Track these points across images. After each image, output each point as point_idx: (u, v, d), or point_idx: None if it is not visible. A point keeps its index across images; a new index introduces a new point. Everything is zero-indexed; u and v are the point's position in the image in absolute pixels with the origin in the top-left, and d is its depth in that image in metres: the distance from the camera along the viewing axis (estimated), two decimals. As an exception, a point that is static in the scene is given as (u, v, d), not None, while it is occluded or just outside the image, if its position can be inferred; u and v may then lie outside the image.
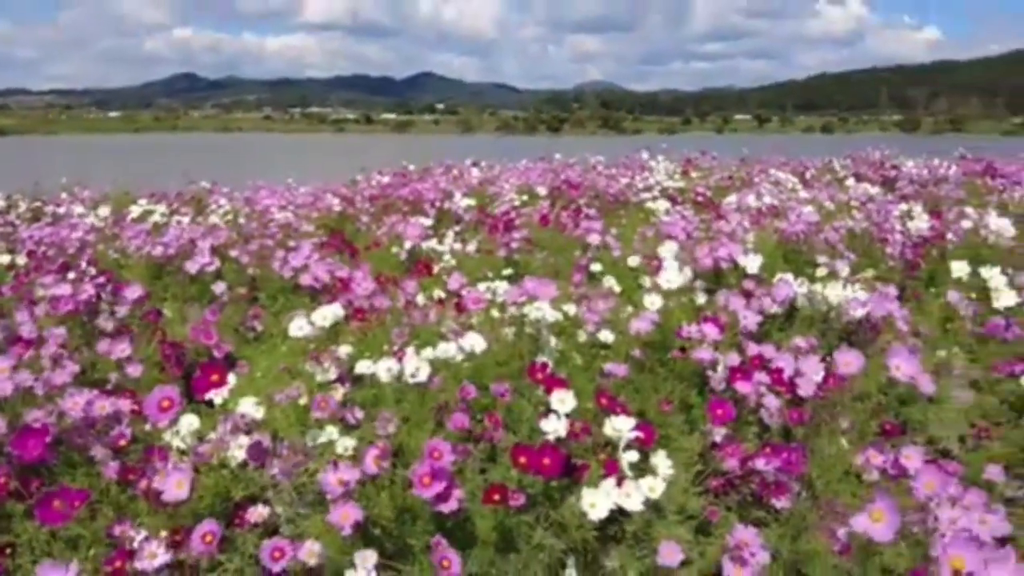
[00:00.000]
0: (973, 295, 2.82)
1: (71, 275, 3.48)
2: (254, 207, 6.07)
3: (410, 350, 1.88)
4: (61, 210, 5.64)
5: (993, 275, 2.69)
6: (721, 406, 1.82)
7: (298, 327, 2.11)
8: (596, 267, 3.41)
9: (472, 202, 6.32)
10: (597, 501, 1.43)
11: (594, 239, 4.03)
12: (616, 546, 1.61)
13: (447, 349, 1.92)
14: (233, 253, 4.19)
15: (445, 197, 6.45)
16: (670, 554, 1.40)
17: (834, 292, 2.67)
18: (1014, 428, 2.29)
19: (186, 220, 5.32)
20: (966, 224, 4.34)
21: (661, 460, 1.55)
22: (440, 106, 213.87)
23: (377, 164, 8.95)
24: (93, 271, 3.60)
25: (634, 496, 1.44)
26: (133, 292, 3.30)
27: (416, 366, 1.79)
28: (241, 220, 5.55)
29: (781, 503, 1.58)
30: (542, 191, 6.92)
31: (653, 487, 1.48)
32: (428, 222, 5.46)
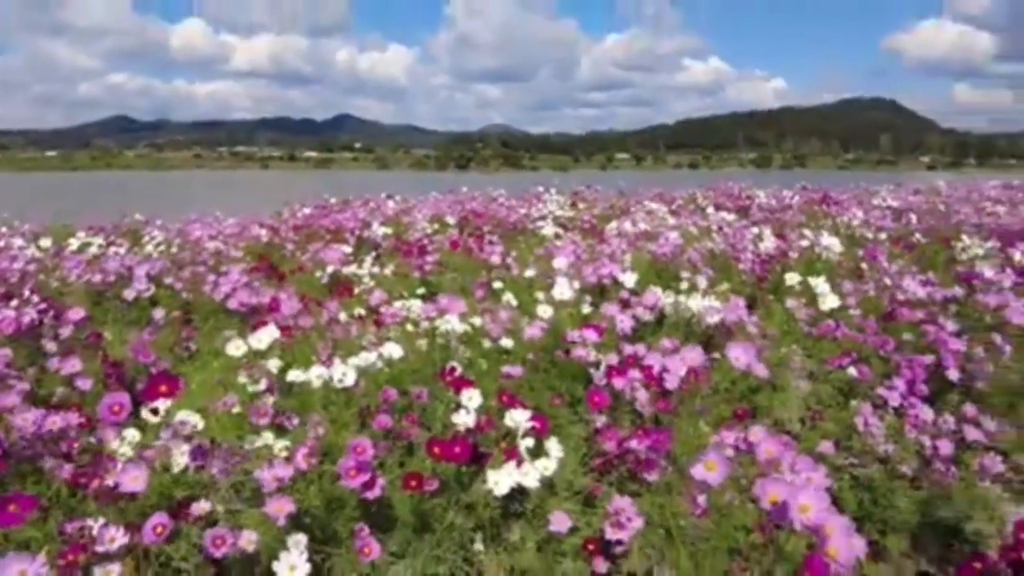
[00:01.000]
0: (804, 301, 3.03)
1: (13, 303, 3.32)
2: (186, 238, 5.91)
3: (336, 359, 1.90)
4: (0, 243, 5.35)
5: (818, 283, 2.91)
6: (599, 395, 1.91)
7: (235, 347, 2.09)
8: (497, 284, 3.48)
9: (389, 230, 6.32)
10: (500, 480, 1.50)
11: (496, 260, 4.12)
12: (517, 521, 1.68)
13: (368, 358, 1.95)
14: (167, 280, 4.08)
15: (364, 226, 6.43)
16: (560, 522, 1.48)
17: (695, 302, 2.83)
18: (842, 410, 2.47)
19: (122, 251, 5.14)
20: (804, 243, 4.63)
21: (553, 445, 1.63)
22: (358, 145, 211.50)
23: (301, 197, 8.83)
24: (36, 298, 3.45)
25: (531, 475, 1.52)
26: (75, 315, 3.19)
27: (343, 371, 1.82)
28: (174, 250, 5.40)
29: (652, 477, 1.68)
30: (451, 220, 6.99)
31: (547, 467, 1.56)
32: (348, 249, 5.44)
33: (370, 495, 1.47)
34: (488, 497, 1.55)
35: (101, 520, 1.25)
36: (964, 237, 5.10)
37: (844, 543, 1.11)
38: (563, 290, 2.67)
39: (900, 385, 2.26)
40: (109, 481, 1.33)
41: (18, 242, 5.25)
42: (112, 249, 5.18)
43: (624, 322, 2.57)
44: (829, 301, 2.81)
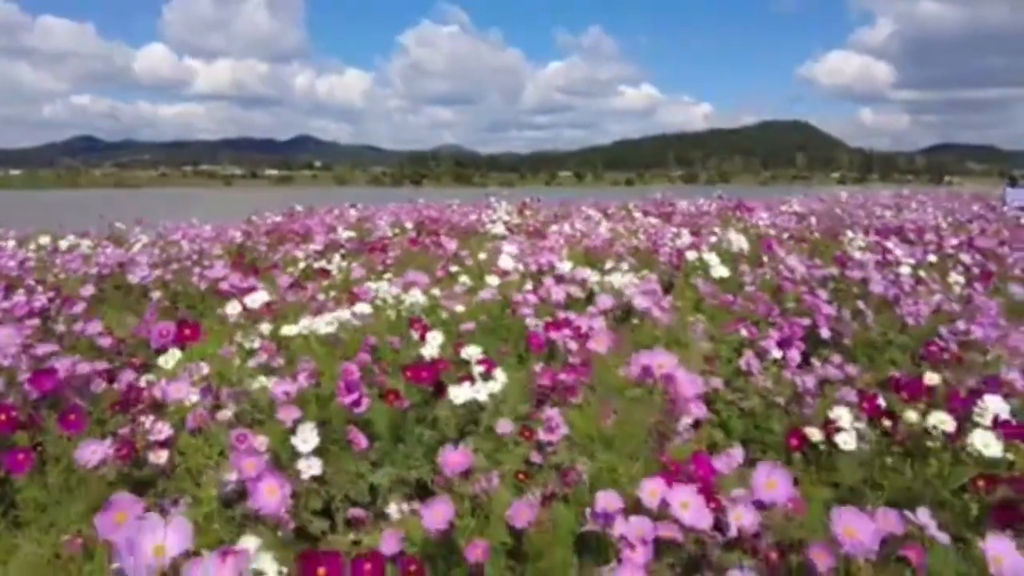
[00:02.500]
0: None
1: (20, 292, 3.46)
2: (167, 239, 6.04)
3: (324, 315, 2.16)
4: (-7, 246, 5.41)
5: (711, 258, 3.29)
6: (537, 339, 2.22)
7: (232, 307, 2.33)
8: (454, 268, 3.76)
9: (353, 234, 6.55)
10: (459, 394, 1.78)
11: (451, 248, 4.41)
12: (472, 436, 1.97)
13: (343, 315, 2.22)
14: (157, 272, 4.25)
15: (330, 230, 6.64)
16: (504, 427, 1.77)
17: (616, 278, 3.16)
18: (731, 362, 2.83)
19: (110, 250, 5.25)
20: (713, 239, 5.04)
21: (499, 373, 1.93)
22: (318, 164, 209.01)
23: (268, 210, 8.95)
24: (40, 288, 3.59)
25: (482, 391, 1.81)
26: (85, 293, 3.37)
27: (325, 323, 2.09)
28: (156, 251, 5.53)
29: (576, 399, 1.99)
30: (409, 225, 7.25)
31: (494, 387, 1.85)
32: (319, 246, 5.66)
33: (358, 410, 1.74)
34: (449, 415, 1.84)
35: (152, 417, 1.50)
36: (849, 232, 5.60)
37: (688, 382, 1.43)
38: (507, 261, 2.98)
39: (777, 336, 2.62)
40: (156, 392, 1.57)
41: (10, 243, 5.32)
42: (100, 249, 5.29)
43: (559, 293, 2.89)
44: (718, 271, 3.18)
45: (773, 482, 1.01)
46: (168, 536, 0.82)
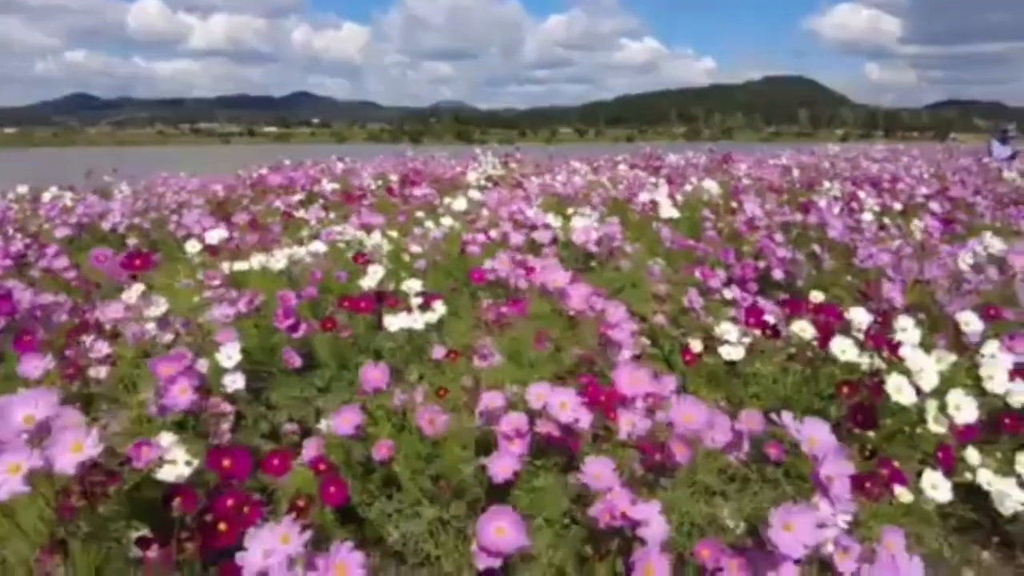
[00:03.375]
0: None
1: (-2, 238, 3.54)
2: (152, 192, 6.09)
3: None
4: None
5: (661, 197, 3.36)
6: (479, 273, 2.31)
7: (192, 245, 2.42)
8: (419, 214, 3.83)
9: (337, 186, 6.59)
10: (393, 322, 1.87)
11: (420, 194, 4.47)
12: (414, 363, 2.07)
13: (298, 252, 2.30)
14: (136, 220, 4.31)
15: (314, 182, 6.68)
16: (439, 352, 1.87)
17: (578, 221, 3.23)
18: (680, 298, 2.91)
19: (91, 199, 5.31)
20: (688, 188, 5.09)
21: (439, 305, 2.02)
22: (316, 120, 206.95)
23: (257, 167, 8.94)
24: (19, 235, 3.66)
25: (418, 321, 1.90)
26: (60, 234, 3.45)
27: (277, 258, 2.17)
28: (139, 202, 5.59)
29: (513, 332, 2.09)
30: (394, 177, 7.28)
31: (431, 318, 1.95)
32: (298, 197, 5.71)
33: (295, 335, 1.84)
34: (391, 343, 1.94)
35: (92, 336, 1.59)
36: (827, 183, 5.65)
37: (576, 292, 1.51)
38: (460, 203, 3.05)
39: (722, 275, 2.71)
40: (101, 315, 1.67)
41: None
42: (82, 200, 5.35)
43: (516, 237, 2.96)
44: (666, 211, 3.25)
45: (635, 378, 1.09)
46: (39, 407, 0.92)
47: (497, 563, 0.92)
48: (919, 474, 1.23)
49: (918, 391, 1.25)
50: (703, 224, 3.63)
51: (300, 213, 4.94)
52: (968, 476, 1.24)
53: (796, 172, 7.32)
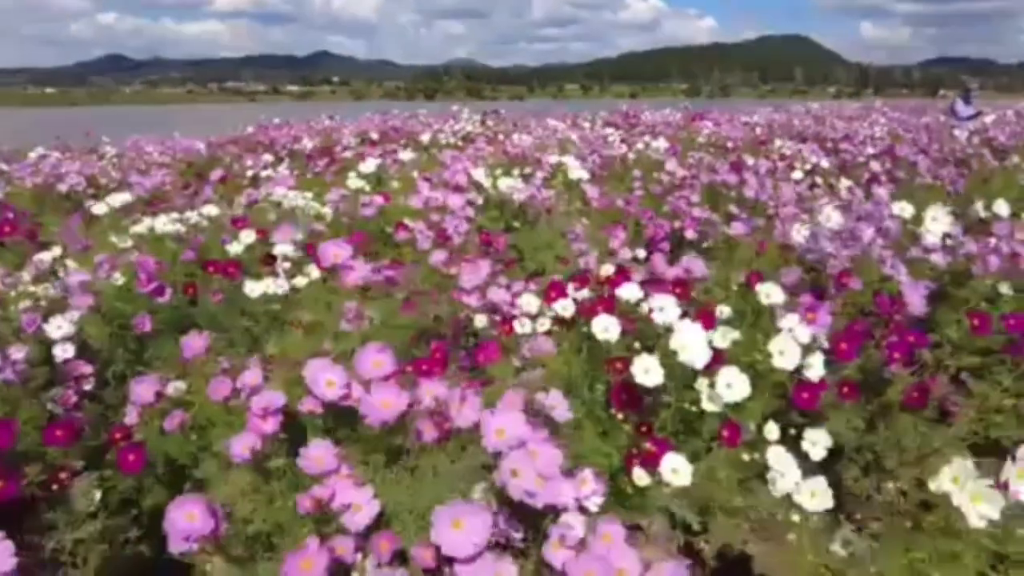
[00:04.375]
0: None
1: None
2: (139, 152, 5.94)
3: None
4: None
5: (569, 160, 3.22)
6: (404, 228, 2.22)
7: (99, 208, 2.30)
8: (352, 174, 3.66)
9: (318, 143, 6.42)
10: (255, 288, 1.76)
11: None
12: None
13: (191, 216, 2.19)
14: (102, 180, 4.18)
15: (295, 141, 6.50)
16: (303, 317, 1.77)
17: (504, 183, 3.08)
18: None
19: (76, 164, 5.18)
20: (640, 146, 4.89)
21: (312, 270, 1.91)
22: (336, 79, 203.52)
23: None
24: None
25: (283, 287, 1.80)
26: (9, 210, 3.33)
27: (170, 220, 2.06)
28: (124, 161, 5.44)
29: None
30: (374, 136, 7.08)
31: (299, 282, 1.84)
32: (270, 158, 5.54)
33: (161, 299, 1.73)
34: (262, 306, 1.83)
35: None
36: (778, 141, 5.41)
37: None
38: (407, 154, 2.90)
39: (622, 236, 2.57)
40: None
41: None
42: (66, 160, 5.21)
43: (456, 200, 2.83)
44: (575, 173, 3.09)
45: (378, 361, 0.98)
46: None
47: (192, 547, 0.83)
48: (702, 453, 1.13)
49: (694, 371, 1.13)
50: (633, 184, 3.46)
51: (267, 172, 4.79)
52: (749, 456, 1.13)
53: (759, 130, 7.06)
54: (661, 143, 4.68)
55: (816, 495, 0.96)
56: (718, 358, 1.14)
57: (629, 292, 1.26)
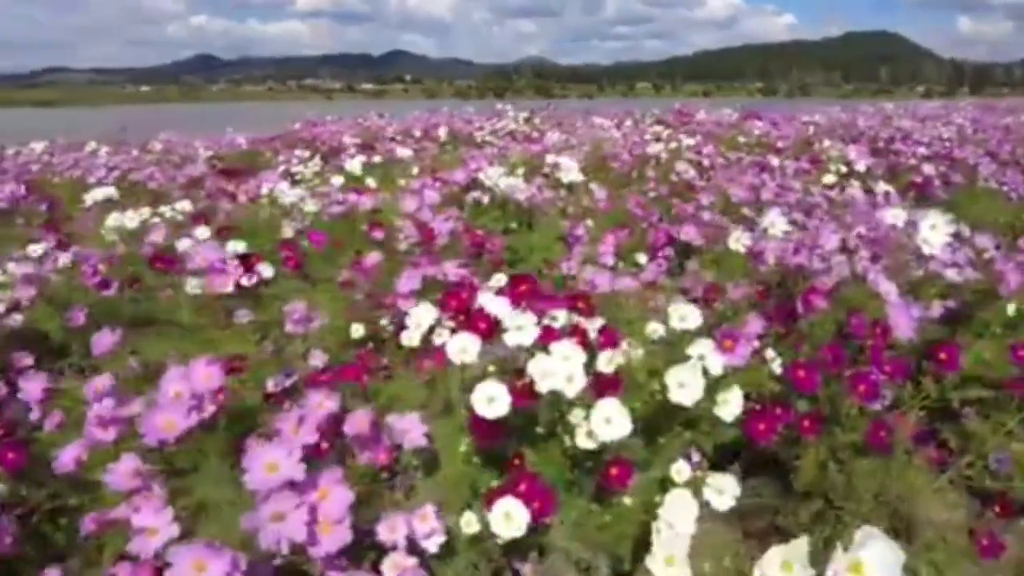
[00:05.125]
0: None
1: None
2: (186, 148, 6.13)
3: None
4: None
5: (568, 163, 3.09)
6: (375, 229, 2.16)
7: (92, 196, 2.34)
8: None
9: (359, 140, 6.46)
10: (195, 285, 1.74)
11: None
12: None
13: (165, 210, 2.19)
14: (134, 176, 4.30)
15: (332, 137, 6.58)
16: (243, 317, 1.72)
17: (503, 181, 2.97)
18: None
19: (118, 157, 5.37)
20: (673, 145, 4.68)
21: (264, 267, 1.86)
22: (408, 78, 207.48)
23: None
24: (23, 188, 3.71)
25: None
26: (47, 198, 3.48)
27: (132, 216, 2.06)
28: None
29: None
30: (416, 133, 7.08)
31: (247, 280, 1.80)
32: (305, 154, 5.60)
33: (106, 292, 1.72)
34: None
35: None
36: (826, 141, 5.07)
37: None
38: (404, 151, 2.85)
39: (610, 239, 2.41)
40: None
41: (39, 147, 5.51)
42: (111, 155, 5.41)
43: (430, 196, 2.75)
44: (568, 176, 2.93)
45: (207, 374, 0.90)
46: None
47: None
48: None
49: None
50: (646, 185, 3.28)
51: (299, 168, 4.84)
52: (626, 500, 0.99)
53: (811, 129, 6.66)
54: (689, 141, 4.45)
55: (673, 563, 0.80)
56: (610, 385, 1.00)
57: (493, 305, 1.12)
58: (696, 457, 1.36)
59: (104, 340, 1.35)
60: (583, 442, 0.98)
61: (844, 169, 3.44)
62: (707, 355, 1.05)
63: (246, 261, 2.15)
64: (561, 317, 1.08)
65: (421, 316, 1.21)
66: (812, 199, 2.68)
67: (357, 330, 1.65)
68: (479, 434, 1.01)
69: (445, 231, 2.49)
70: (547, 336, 1.04)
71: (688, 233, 2.57)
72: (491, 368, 1.07)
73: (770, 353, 1.26)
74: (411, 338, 1.21)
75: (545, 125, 7.84)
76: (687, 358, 1.04)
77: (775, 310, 1.40)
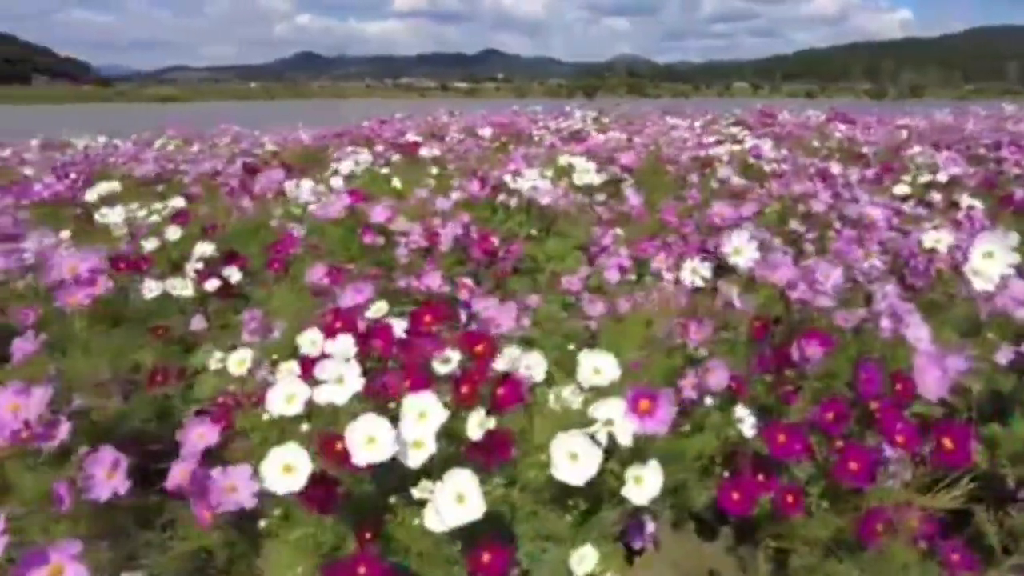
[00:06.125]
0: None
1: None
2: (254, 142, 6.27)
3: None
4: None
5: (580, 162, 2.84)
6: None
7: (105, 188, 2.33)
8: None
9: (420, 138, 6.42)
10: (153, 288, 1.64)
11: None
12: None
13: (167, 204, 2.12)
14: (183, 167, 4.39)
15: (399, 135, 6.55)
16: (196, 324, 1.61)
17: (523, 183, 2.78)
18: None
19: (193, 148, 5.55)
20: (737, 148, 4.33)
21: (233, 270, 1.75)
22: (500, 76, 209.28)
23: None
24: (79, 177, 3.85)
25: (183, 287, 1.66)
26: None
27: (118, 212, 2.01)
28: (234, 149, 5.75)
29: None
30: (481, 132, 6.98)
31: (211, 285, 1.69)
32: (362, 152, 5.59)
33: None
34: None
35: None
36: (916, 147, 4.54)
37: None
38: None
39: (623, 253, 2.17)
40: None
41: (102, 139, 5.78)
42: (182, 148, 5.60)
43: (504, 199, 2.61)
44: (583, 177, 2.67)
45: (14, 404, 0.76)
46: None
47: None
48: None
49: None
50: (686, 192, 2.99)
51: (346, 164, 4.82)
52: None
53: (903, 133, 6.04)
54: (767, 146, 4.07)
55: None
56: (490, 451, 0.79)
57: (336, 345, 0.91)
58: (651, 527, 1.13)
59: (24, 346, 1.27)
60: (433, 523, 0.78)
61: (927, 178, 3.01)
62: (615, 419, 0.82)
63: (232, 261, 2.07)
64: (452, 360, 0.89)
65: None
66: (871, 211, 2.31)
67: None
68: (307, 501, 0.83)
69: (450, 237, 2.33)
70: (417, 383, 0.84)
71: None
72: (304, 425, 0.88)
73: (740, 411, 1.01)
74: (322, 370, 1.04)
75: (614, 124, 7.54)
76: (590, 422, 0.82)
77: (764, 354, 1.14)
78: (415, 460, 0.77)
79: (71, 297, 1.22)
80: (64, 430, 0.91)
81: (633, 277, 2.16)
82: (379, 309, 1.13)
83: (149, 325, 1.73)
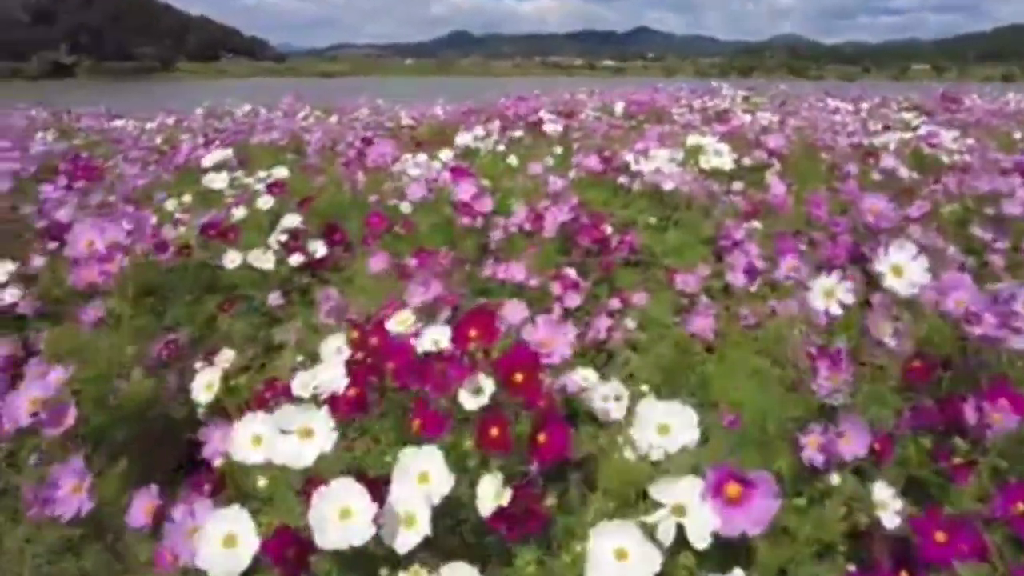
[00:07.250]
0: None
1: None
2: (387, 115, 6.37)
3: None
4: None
5: (711, 142, 2.47)
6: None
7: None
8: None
9: (554, 116, 6.22)
10: (236, 258, 1.56)
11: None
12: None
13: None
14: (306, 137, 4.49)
15: (530, 112, 6.38)
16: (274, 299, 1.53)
17: (646, 164, 2.50)
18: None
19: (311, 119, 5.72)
20: (908, 135, 3.71)
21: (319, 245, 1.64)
22: (650, 55, 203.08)
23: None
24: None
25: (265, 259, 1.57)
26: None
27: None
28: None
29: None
30: (618, 110, 6.64)
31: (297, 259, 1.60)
32: (492, 126, 5.48)
33: (163, 256, 1.64)
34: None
35: None
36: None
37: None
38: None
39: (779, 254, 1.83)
40: None
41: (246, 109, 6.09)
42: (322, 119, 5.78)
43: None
44: (717, 160, 2.30)
45: None
46: None
47: None
48: None
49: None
50: (837, 181, 2.55)
51: (468, 139, 4.73)
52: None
53: None
54: (948, 136, 3.44)
55: None
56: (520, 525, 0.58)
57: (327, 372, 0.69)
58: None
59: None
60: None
61: None
62: (687, 506, 0.56)
63: (331, 235, 2.00)
64: (487, 389, 0.67)
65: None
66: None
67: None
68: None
69: (556, 221, 2.12)
70: (430, 424, 0.64)
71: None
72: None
73: (882, 491, 0.72)
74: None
75: (766, 105, 6.88)
76: (651, 508, 0.57)
77: (923, 408, 0.83)
78: (404, 543, 0.57)
79: (86, 273, 1.15)
80: (71, 416, 0.82)
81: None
82: (403, 321, 0.93)
83: (232, 296, 1.68)
